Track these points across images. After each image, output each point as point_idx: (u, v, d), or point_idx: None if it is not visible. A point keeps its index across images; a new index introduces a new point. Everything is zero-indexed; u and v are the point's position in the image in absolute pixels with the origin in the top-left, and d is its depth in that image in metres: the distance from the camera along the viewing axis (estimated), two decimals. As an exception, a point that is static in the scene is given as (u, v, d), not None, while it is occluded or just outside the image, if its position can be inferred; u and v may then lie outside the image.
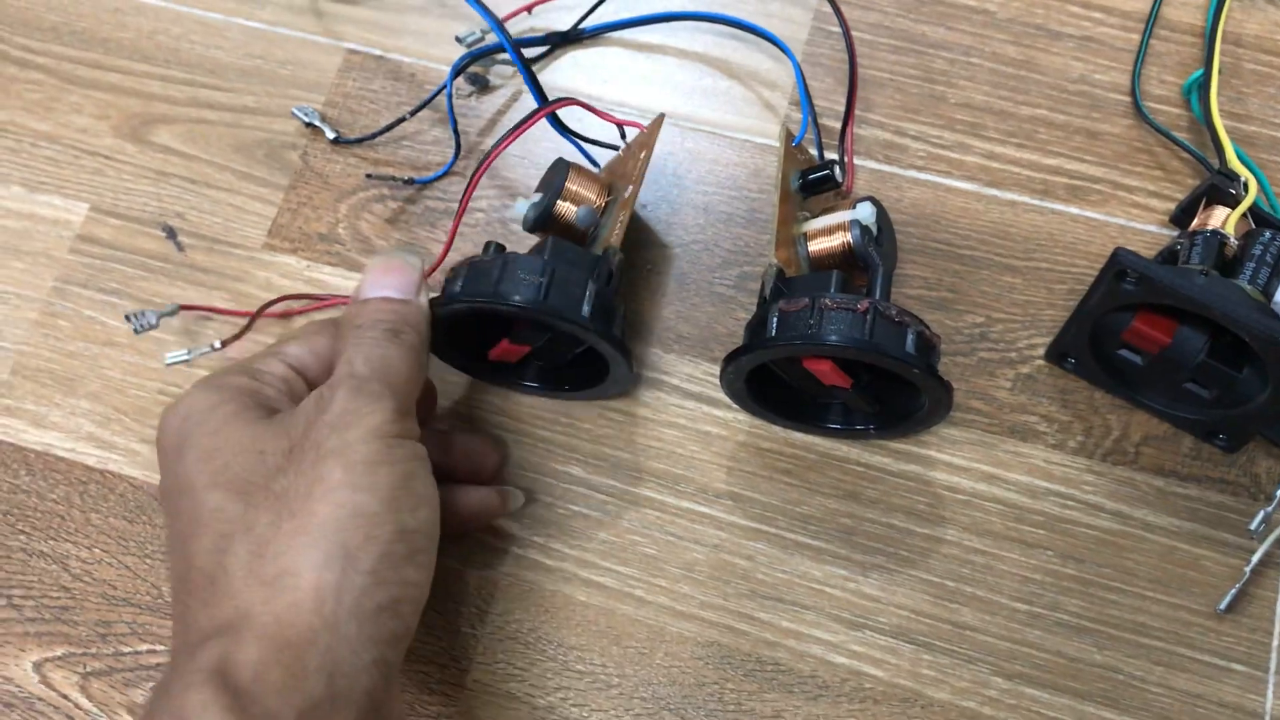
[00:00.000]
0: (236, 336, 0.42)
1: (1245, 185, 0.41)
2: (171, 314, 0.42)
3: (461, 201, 0.40)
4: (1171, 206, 0.44)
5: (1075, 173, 0.44)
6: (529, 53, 0.47)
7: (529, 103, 0.46)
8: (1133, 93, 0.45)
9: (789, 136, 0.42)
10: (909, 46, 0.46)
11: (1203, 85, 0.44)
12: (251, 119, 0.47)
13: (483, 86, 0.47)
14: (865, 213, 0.39)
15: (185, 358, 0.41)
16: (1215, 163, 0.43)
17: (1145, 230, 0.43)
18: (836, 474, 0.41)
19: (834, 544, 0.40)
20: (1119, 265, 0.37)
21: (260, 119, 0.47)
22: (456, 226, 0.40)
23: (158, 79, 0.48)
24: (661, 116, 0.43)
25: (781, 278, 0.37)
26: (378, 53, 0.48)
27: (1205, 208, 0.42)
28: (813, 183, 0.41)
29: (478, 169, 0.39)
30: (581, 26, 0.47)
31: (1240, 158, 0.43)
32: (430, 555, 0.32)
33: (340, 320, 0.35)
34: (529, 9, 0.47)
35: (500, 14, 0.46)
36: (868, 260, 0.38)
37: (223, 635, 0.29)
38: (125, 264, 0.45)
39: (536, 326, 0.38)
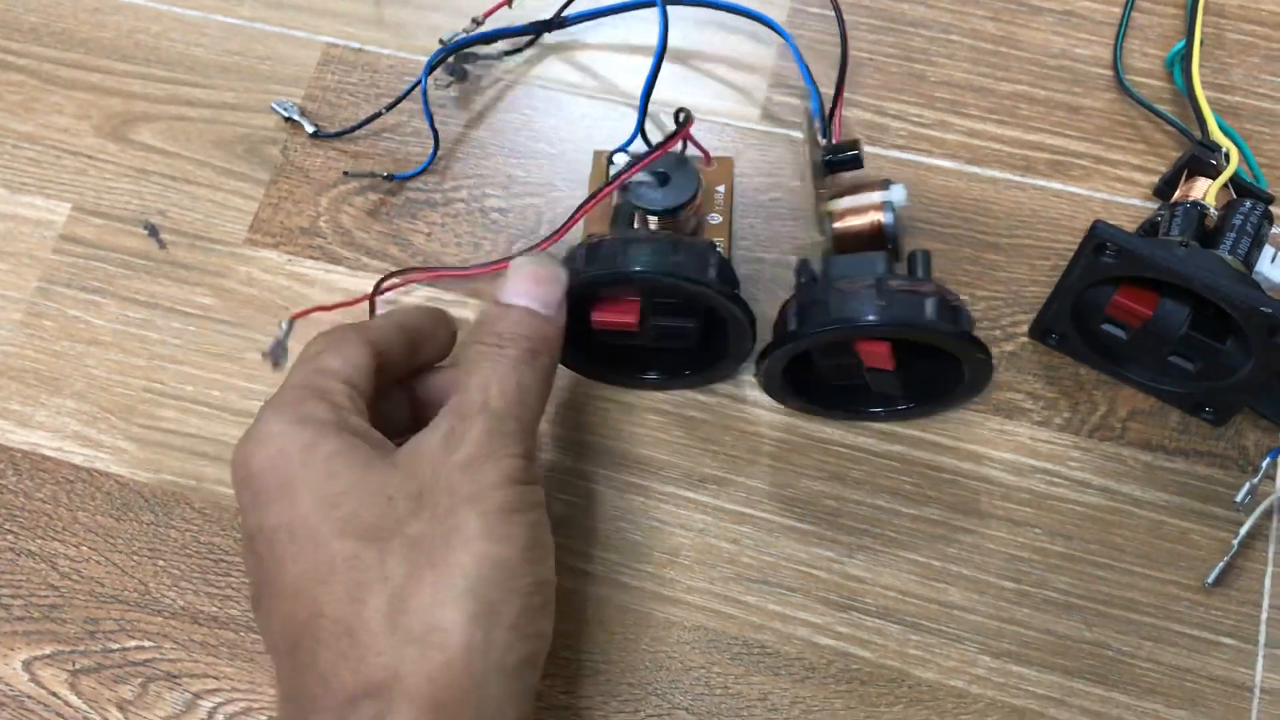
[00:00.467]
0: None
1: (1227, 156, 0.41)
2: (289, 332, 0.43)
3: (575, 215, 0.38)
4: (1155, 180, 0.43)
5: (1057, 148, 0.44)
6: (509, 44, 0.47)
7: (511, 95, 0.46)
8: (1114, 66, 0.45)
9: (808, 115, 0.42)
10: (888, 25, 0.46)
11: (1184, 56, 0.44)
12: (231, 115, 0.47)
13: (461, 77, 0.46)
14: (899, 195, 0.39)
15: None
16: (1198, 134, 0.43)
17: (1129, 204, 0.43)
18: (821, 456, 0.40)
19: (820, 526, 0.40)
20: (1098, 238, 0.36)
21: (240, 115, 0.47)
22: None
23: (138, 78, 0.48)
24: (730, 161, 0.44)
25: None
26: (356, 45, 0.47)
27: (1187, 179, 0.42)
28: (838, 163, 0.40)
29: (594, 196, 0.37)
30: (564, 14, 0.47)
31: (1223, 128, 0.43)
32: (553, 604, 0.32)
33: (479, 324, 0.34)
34: (509, 2, 0.47)
35: (480, 10, 0.46)
36: (897, 241, 0.38)
37: (373, 697, 0.28)
38: (108, 262, 0.45)
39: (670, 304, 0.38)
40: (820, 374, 0.39)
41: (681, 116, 0.38)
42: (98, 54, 0.48)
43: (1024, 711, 0.37)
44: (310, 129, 0.46)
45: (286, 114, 0.46)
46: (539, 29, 0.46)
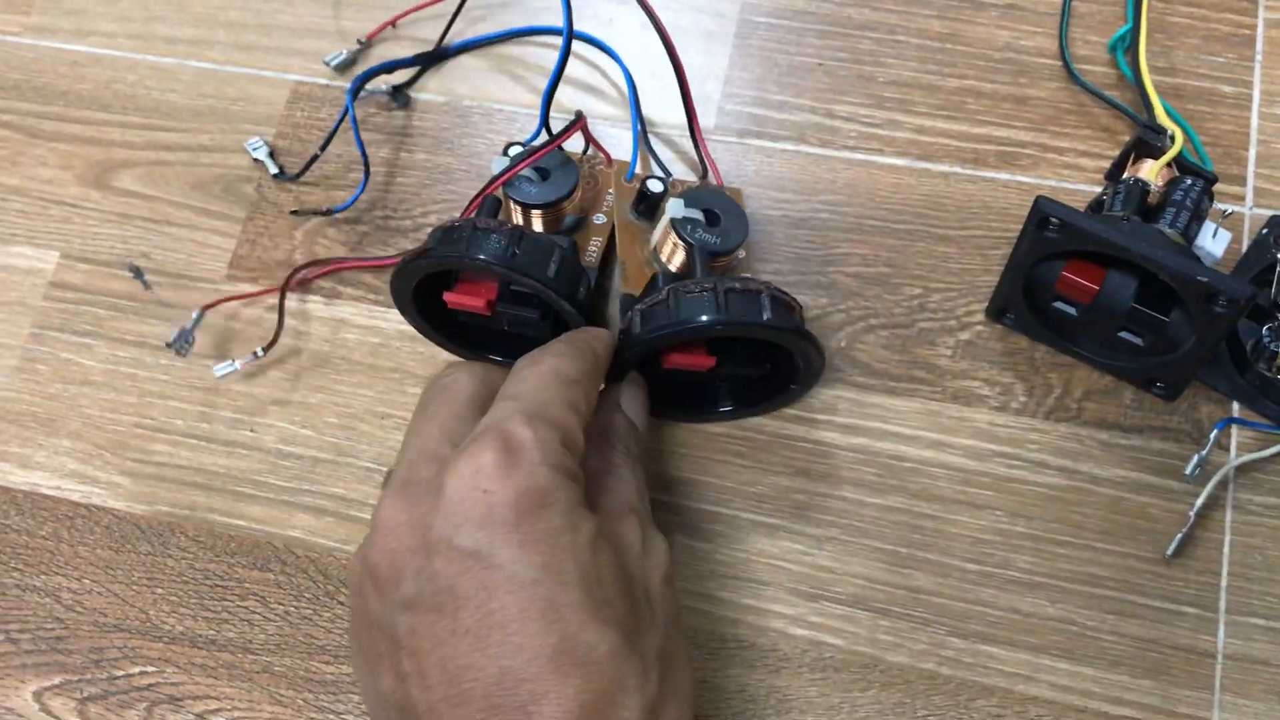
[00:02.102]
0: (273, 342, 0.44)
1: (1171, 138, 0.42)
2: (199, 321, 0.44)
3: (468, 208, 0.41)
4: (1102, 165, 0.44)
5: (1005, 139, 0.45)
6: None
7: (456, 115, 0.48)
8: (1061, 55, 0.46)
9: (620, 172, 0.43)
10: (835, 30, 0.47)
11: (1131, 41, 0.45)
12: (207, 156, 0.48)
13: (405, 104, 0.48)
14: (676, 209, 0.40)
15: (233, 368, 0.44)
16: (1144, 118, 0.44)
17: (1077, 189, 0.44)
18: (787, 452, 0.42)
19: (788, 520, 0.41)
20: (1041, 213, 0.38)
21: (215, 155, 0.48)
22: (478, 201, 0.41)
23: (117, 126, 0.49)
24: (628, 165, 0.44)
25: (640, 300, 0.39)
26: (323, 82, 0.49)
27: (1134, 162, 0.43)
28: (646, 208, 0.42)
29: (486, 186, 0.40)
30: (444, 46, 0.49)
31: (1168, 111, 0.44)
32: None
33: (610, 432, 0.37)
34: (393, 23, 0.49)
35: (367, 31, 0.49)
36: (703, 247, 0.39)
37: None
38: (97, 306, 0.47)
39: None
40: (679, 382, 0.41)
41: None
42: (77, 105, 0.50)
43: (994, 690, 0.38)
44: (274, 170, 0.47)
45: (255, 155, 0.47)
46: (424, 61, 0.48)
